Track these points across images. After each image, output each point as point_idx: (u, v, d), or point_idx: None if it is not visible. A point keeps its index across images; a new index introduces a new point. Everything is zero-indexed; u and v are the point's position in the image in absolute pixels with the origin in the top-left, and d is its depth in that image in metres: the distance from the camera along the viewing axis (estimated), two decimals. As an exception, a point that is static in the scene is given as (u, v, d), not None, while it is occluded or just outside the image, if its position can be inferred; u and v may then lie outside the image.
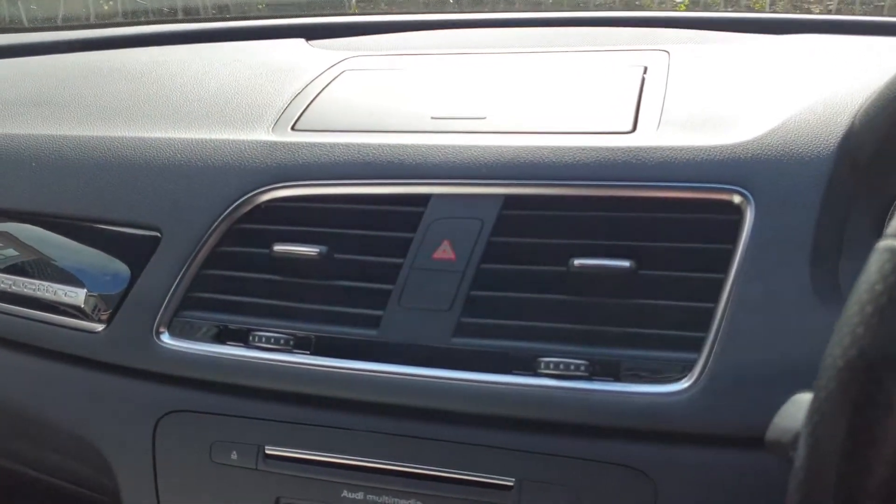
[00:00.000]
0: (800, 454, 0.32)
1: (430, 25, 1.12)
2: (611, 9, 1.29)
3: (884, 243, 0.32)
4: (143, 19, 1.48)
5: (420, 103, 0.82)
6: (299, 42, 1.09)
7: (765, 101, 0.74)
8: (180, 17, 1.51)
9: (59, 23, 1.47)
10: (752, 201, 0.65)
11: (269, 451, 0.71)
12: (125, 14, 1.48)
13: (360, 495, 0.69)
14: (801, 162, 0.66)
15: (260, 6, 1.49)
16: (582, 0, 1.45)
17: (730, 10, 1.35)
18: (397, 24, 1.14)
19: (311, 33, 1.13)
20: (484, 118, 0.77)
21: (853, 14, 1.26)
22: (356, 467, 0.69)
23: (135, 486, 0.76)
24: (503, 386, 0.66)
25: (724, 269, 0.64)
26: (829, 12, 1.32)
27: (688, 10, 1.39)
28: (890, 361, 0.30)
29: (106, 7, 1.49)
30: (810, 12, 1.33)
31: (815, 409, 0.32)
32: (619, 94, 0.79)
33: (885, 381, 0.30)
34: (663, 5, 1.43)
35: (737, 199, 0.65)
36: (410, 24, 1.14)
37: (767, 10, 1.36)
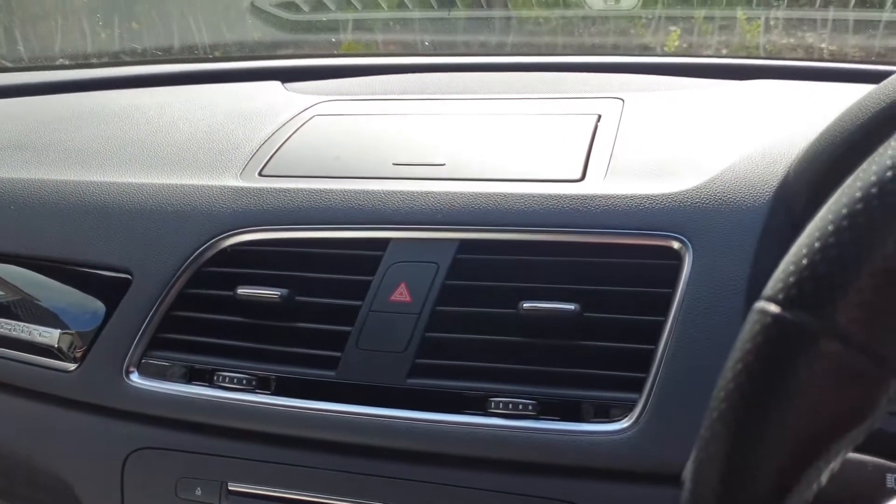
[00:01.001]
0: (685, 483, 0.36)
1: (402, 69, 1.16)
2: (581, 52, 1.33)
3: (757, 304, 0.35)
4: (128, 59, 1.52)
5: (383, 150, 0.86)
6: (275, 85, 1.13)
7: (708, 149, 0.78)
8: (168, 56, 1.55)
9: (42, 62, 1.51)
10: (690, 247, 0.68)
11: (232, 487, 0.74)
12: (110, 54, 1.52)
13: None
14: (737, 210, 0.69)
15: (270, 46, 1.52)
16: (576, 29, 1.48)
17: (719, 47, 1.39)
18: (370, 68, 1.18)
19: (287, 76, 1.17)
20: (443, 164, 0.81)
21: (843, 57, 1.29)
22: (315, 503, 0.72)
23: (103, 520, 0.79)
24: (456, 425, 0.69)
25: (664, 313, 0.67)
26: (811, 50, 1.36)
27: (678, 39, 1.42)
28: (754, 412, 0.33)
29: (89, 48, 1.53)
30: (803, 42, 1.36)
31: (698, 444, 0.35)
32: (571, 141, 0.82)
33: (748, 430, 0.33)
34: (657, 34, 1.47)
35: (676, 245, 0.69)
36: (383, 67, 1.18)
37: (759, 43, 1.39)
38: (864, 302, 0.32)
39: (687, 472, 0.36)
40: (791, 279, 0.34)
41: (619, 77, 1.04)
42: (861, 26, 1.29)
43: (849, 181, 0.35)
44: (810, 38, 1.37)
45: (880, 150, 0.34)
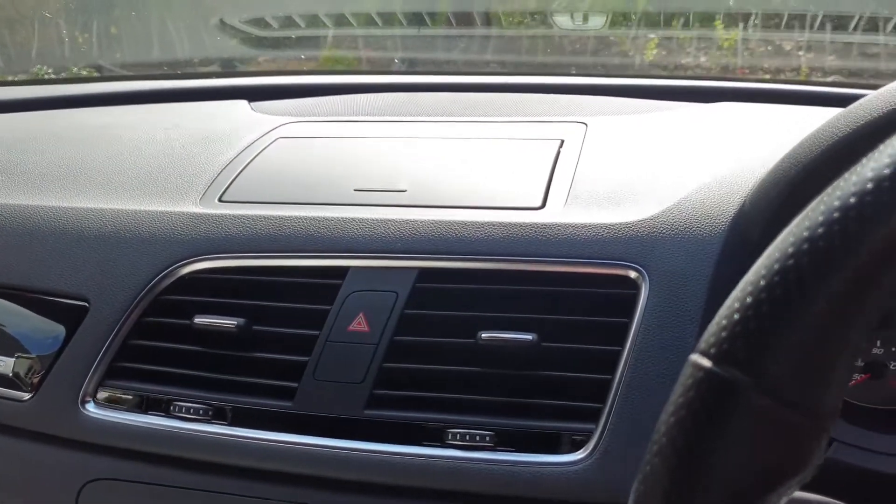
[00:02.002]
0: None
1: (369, 88, 1.16)
2: (548, 73, 1.34)
3: (691, 357, 0.35)
4: (93, 76, 1.50)
5: (345, 175, 0.85)
6: (241, 105, 1.12)
7: (668, 177, 0.78)
8: (134, 72, 1.54)
9: (9, 77, 1.49)
10: (647, 277, 0.68)
11: None
12: (74, 71, 1.51)
13: None
14: (693, 240, 0.70)
15: (225, 62, 1.52)
16: (545, 49, 1.48)
17: (687, 68, 1.39)
18: (337, 87, 1.18)
19: (254, 94, 1.16)
20: (405, 191, 0.81)
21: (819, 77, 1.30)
22: None
23: (57, 553, 0.78)
24: (413, 457, 0.69)
25: (621, 342, 0.68)
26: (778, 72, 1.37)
27: (656, 49, 1.43)
28: (687, 465, 0.33)
29: (52, 64, 1.51)
30: (772, 64, 1.37)
31: (634, 487, 0.35)
32: (533, 168, 0.82)
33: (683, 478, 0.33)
34: (636, 41, 1.47)
35: (633, 274, 0.69)
36: (351, 86, 1.18)
37: (738, 53, 1.40)
38: (794, 360, 0.32)
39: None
40: (723, 334, 0.34)
41: (584, 99, 1.04)
42: (834, 48, 1.30)
43: (782, 235, 0.35)
44: (779, 60, 1.38)
45: (813, 204, 0.34)
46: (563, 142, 0.87)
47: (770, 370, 0.33)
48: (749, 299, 0.34)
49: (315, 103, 1.12)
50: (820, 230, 0.33)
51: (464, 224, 0.74)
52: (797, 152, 0.67)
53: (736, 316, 0.34)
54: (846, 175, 0.34)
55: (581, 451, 0.66)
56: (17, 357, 0.80)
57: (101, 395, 0.77)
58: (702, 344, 0.35)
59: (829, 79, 1.31)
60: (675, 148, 0.86)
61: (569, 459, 0.66)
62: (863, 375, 0.71)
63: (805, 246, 0.33)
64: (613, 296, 0.69)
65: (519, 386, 0.69)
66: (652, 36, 1.37)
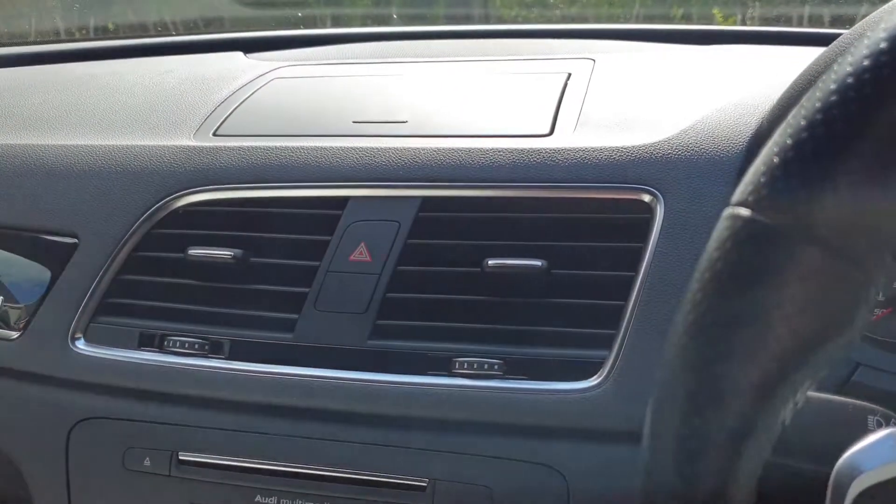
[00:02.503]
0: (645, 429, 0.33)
1: (368, 38, 1.13)
2: (549, 21, 1.31)
3: (726, 210, 0.32)
4: (88, 36, 1.47)
5: (344, 109, 0.82)
6: (237, 55, 1.09)
7: (680, 104, 0.75)
8: (129, 32, 1.51)
9: (4, 38, 1.46)
10: (662, 200, 0.65)
11: (183, 456, 0.70)
12: (69, 31, 1.47)
13: (273, 500, 0.68)
14: (710, 161, 0.67)
15: (232, 21, 1.48)
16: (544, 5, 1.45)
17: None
18: (335, 37, 1.14)
19: (249, 47, 1.13)
20: (405, 122, 0.78)
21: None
22: (270, 471, 0.69)
23: (47, 494, 0.75)
24: (419, 386, 0.66)
25: (635, 268, 0.65)
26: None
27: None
28: (724, 321, 0.30)
29: (51, 23, 1.48)
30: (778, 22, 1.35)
31: (660, 375, 0.32)
32: (540, 98, 0.79)
33: (717, 343, 0.30)
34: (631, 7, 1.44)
35: (646, 197, 0.66)
36: (348, 36, 1.15)
37: (738, 20, 1.38)
38: (841, 201, 0.30)
39: (652, 397, 0.33)
40: (762, 179, 0.31)
41: (590, 42, 1.02)
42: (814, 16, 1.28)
43: (823, 77, 0.32)
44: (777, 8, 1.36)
45: (855, 43, 0.31)
46: (570, 74, 0.84)
47: (816, 213, 0.30)
48: (790, 140, 0.31)
49: (311, 51, 1.09)
50: (865, 62, 0.30)
51: (468, 151, 0.71)
52: (813, 67, 0.65)
53: (776, 160, 0.31)
54: (884, 18, 0.31)
55: (594, 377, 0.63)
56: (5, 296, 0.77)
57: (92, 331, 0.73)
58: (737, 195, 0.32)
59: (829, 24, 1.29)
60: (685, 80, 0.83)
61: (582, 386, 0.63)
62: (885, 310, 0.68)
63: (849, 80, 0.30)
64: (626, 220, 0.66)
65: (528, 314, 0.66)
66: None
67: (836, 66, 0.32)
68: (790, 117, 0.32)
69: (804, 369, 0.31)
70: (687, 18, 1.39)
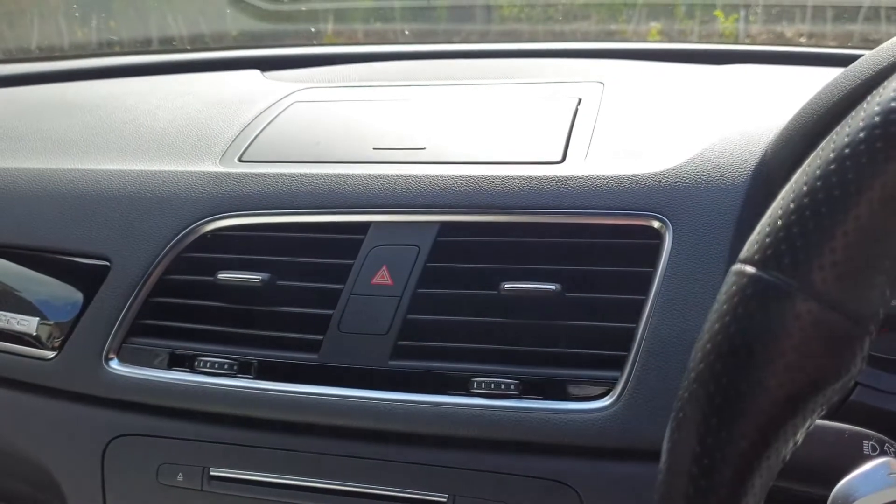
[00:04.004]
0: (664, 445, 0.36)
1: (382, 57, 1.16)
2: (560, 40, 1.33)
3: (734, 266, 0.35)
4: (106, 51, 1.50)
5: (363, 134, 0.85)
6: (254, 73, 1.13)
7: (688, 131, 0.78)
8: (146, 48, 1.54)
9: (20, 55, 1.49)
10: (671, 226, 0.69)
11: (214, 472, 0.74)
12: (88, 47, 1.51)
13: None
14: (716, 189, 0.70)
15: (248, 36, 1.51)
16: (551, 18, 1.47)
17: (701, 38, 1.39)
18: (350, 56, 1.18)
19: (265, 65, 1.16)
20: (424, 148, 0.81)
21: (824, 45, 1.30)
22: (297, 487, 0.72)
23: (84, 507, 0.78)
24: (438, 406, 0.69)
25: (645, 291, 0.68)
26: (801, 36, 1.37)
27: (658, 37, 1.42)
28: (731, 371, 0.34)
29: (68, 39, 1.51)
30: (783, 37, 1.37)
31: (676, 405, 0.36)
32: (552, 124, 0.82)
33: (725, 390, 0.34)
34: (638, 30, 1.47)
35: (656, 224, 0.69)
36: (362, 55, 1.18)
37: (740, 36, 1.40)
38: (838, 262, 0.33)
39: (665, 436, 0.36)
40: (767, 240, 0.34)
41: (599, 62, 1.05)
42: (839, 13, 1.30)
43: (822, 144, 0.35)
44: (787, 27, 1.38)
45: (852, 113, 0.35)
46: (580, 100, 0.87)
47: (814, 272, 0.33)
48: (792, 205, 0.34)
49: (326, 72, 1.12)
50: (861, 134, 0.33)
51: (484, 178, 0.74)
52: (816, 101, 0.67)
53: (779, 222, 0.34)
54: (879, 91, 0.34)
55: (607, 398, 0.66)
56: (40, 317, 0.80)
57: (125, 352, 0.77)
58: (744, 253, 0.36)
59: (838, 42, 1.31)
60: (693, 105, 0.86)
61: (594, 406, 0.66)
62: (883, 329, 0.71)
63: (846, 150, 0.33)
64: (637, 246, 0.70)
65: (543, 336, 0.70)
66: (663, 2, 1.36)
67: (834, 135, 0.35)
68: (793, 180, 0.36)
69: (804, 412, 0.34)
70: (689, 17, 1.42)
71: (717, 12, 1.43)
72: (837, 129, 0.35)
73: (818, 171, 0.34)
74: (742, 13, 1.41)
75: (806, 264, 0.33)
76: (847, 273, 0.33)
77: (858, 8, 1.32)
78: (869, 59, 0.63)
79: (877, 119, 0.33)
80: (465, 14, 1.45)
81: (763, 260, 0.34)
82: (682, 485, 0.35)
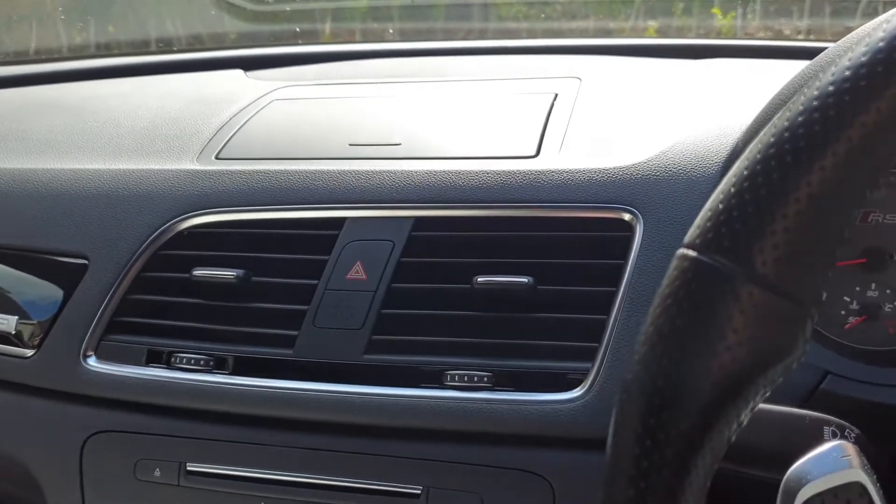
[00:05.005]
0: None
1: (364, 55, 1.16)
2: (542, 37, 1.34)
3: (678, 251, 0.36)
4: (90, 53, 1.51)
5: (340, 131, 0.86)
6: (237, 73, 1.13)
7: (661, 124, 0.79)
8: (130, 48, 1.54)
9: (5, 57, 1.50)
10: (641, 218, 0.69)
11: (191, 467, 0.74)
12: (72, 48, 1.51)
13: None
14: (687, 181, 0.70)
15: (232, 36, 1.52)
16: (533, 16, 1.48)
17: (699, 34, 1.39)
18: (332, 55, 1.18)
19: (249, 64, 1.17)
20: (399, 144, 0.81)
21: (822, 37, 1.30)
22: (273, 481, 0.72)
23: (63, 503, 0.79)
24: (412, 399, 0.70)
25: (616, 284, 0.68)
26: (799, 34, 1.37)
27: (656, 34, 1.43)
28: (673, 353, 0.34)
29: (52, 41, 1.51)
30: (781, 34, 1.38)
31: (621, 388, 0.36)
32: (527, 119, 0.83)
33: (667, 372, 0.34)
34: (635, 27, 1.47)
35: (626, 216, 0.70)
36: (345, 54, 1.18)
37: (738, 33, 1.40)
38: (779, 244, 0.33)
39: (611, 418, 0.37)
40: (708, 224, 0.35)
41: (577, 59, 1.05)
42: (815, 7, 1.31)
43: (763, 131, 0.35)
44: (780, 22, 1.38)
45: (791, 101, 0.35)
46: (556, 95, 0.88)
47: (754, 255, 0.33)
48: (732, 189, 0.34)
49: (308, 70, 1.13)
50: (799, 118, 0.34)
51: (458, 173, 0.74)
52: (783, 92, 0.68)
53: (720, 206, 0.35)
54: (819, 76, 0.35)
55: (578, 388, 0.67)
56: (19, 315, 0.81)
57: (103, 349, 0.77)
58: (687, 237, 0.36)
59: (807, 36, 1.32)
60: (668, 99, 0.87)
61: (566, 397, 0.67)
62: (858, 318, 0.71)
63: (786, 134, 0.34)
64: (608, 238, 0.70)
65: (516, 328, 0.70)
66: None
67: (776, 120, 0.35)
68: (734, 167, 0.36)
69: (747, 394, 0.34)
70: (687, 13, 1.42)
71: (715, 9, 1.43)
72: (779, 114, 0.35)
73: (759, 156, 0.34)
74: (739, 10, 1.42)
75: (746, 247, 0.33)
76: (787, 256, 0.33)
77: (857, 2, 1.32)
78: (832, 50, 0.63)
79: (815, 103, 0.33)
80: (447, 13, 1.45)
81: (704, 243, 0.34)
82: (625, 466, 0.35)
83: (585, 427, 0.66)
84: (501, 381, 0.69)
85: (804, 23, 1.35)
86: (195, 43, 1.45)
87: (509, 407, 0.68)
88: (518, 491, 0.68)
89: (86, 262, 0.79)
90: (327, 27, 1.43)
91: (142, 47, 1.49)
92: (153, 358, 0.76)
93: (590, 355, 0.67)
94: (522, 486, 0.68)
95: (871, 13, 1.32)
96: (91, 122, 0.97)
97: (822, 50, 1.02)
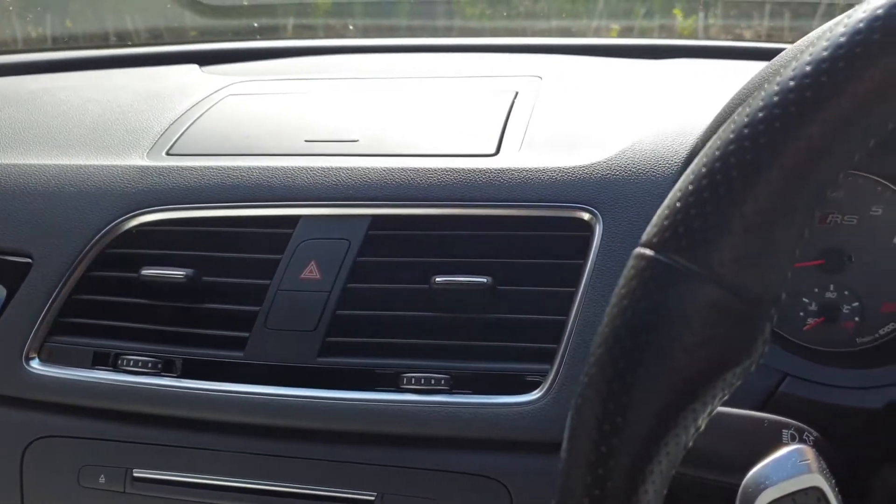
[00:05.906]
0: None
1: (322, 51, 1.14)
2: (504, 35, 1.33)
3: (635, 250, 0.35)
4: (43, 46, 1.47)
5: (296, 127, 0.84)
6: (192, 68, 1.10)
7: (622, 124, 0.78)
8: (84, 42, 1.50)
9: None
10: (601, 218, 0.68)
11: (137, 473, 0.71)
12: (26, 41, 1.47)
13: None
14: (647, 181, 0.70)
15: (192, 32, 1.48)
16: (495, 15, 1.47)
17: (660, 35, 1.39)
18: (290, 50, 1.16)
19: (205, 59, 1.14)
20: (357, 141, 0.80)
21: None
22: (222, 487, 0.70)
23: (1, 513, 0.76)
24: (367, 403, 0.68)
25: (575, 283, 0.67)
26: (759, 37, 1.38)
27: (618, 35, 1.42)
28: (628, 355, 0.33)
29: (4, 33, 1.47)
30: (741, 37, 1.38)
31: (577, 390, 0.35)
32: (487, 118, 0.81)
33: (622, 375, 0.33)
34: (598, 27, 1.47)
35: (586, 216, 0.69)
36: (302, 49, 1.16)
37: (699, 34, 1.41)
38: (736, 244, 0.32)
39: (567, 422, 0.35)
40: (665, 223, 0.34)
41: (538, 58, 1.04)
42: (775, 11, 1.31)
43: (722, 128, 0.34)
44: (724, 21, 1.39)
45: (751, 97, 0.34)
46: (517, 93, 0.86)
47: (712, 255, 0.32)
48: (691, 187, 0.33)
49: (265, 66, 1.10)
50: (760, 114, 0.33)
51: (416, 171, 0.73)
52: (742, 92, 0.68)
53: (678, 204, 0.33)
54: (780, 72, 0.34)
55: (536, 391, 0.66)
56: (-41, 316, 0.78)
57: (47, 351, 0.74)
58: (644, 237, 0.35)
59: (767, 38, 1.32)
60: (629, 98, 0.86)
61: (525, 400, 0.66)
62: (817, 319, 0.71)
63: (745, 131, 0.33)
64: (567, 238, 0.69)
65: (474, 329, 0.69)
66: None
67: (735, 116, 0.34)
68: (693, 164, 0.35)
69: (703, 398, 0.33)
70: (649, 16, 1.42)
71: (676, 10, 1.44)
72: (738, 110, 0.34)
73: (718, 153, 0.33)
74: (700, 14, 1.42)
75: (703, 246, 0.32)
76: (746, 256, 0.32)
77: (816, 5, 1.33)
78: (791, 50, 0.63)
79: (776, 99, 0.33)
80: (408, 10, 1.44)
81: (661, 242, 0.33)
82: (580, 472, 0.34)
83: (543, 430, 0.65)
84: (459, 383, 0.67)
85: (764, 25, 1.36)
86: (154, 38, 1.42)
87: (466, 410, 0.66)
88: (475, 496, 0.66)
89: (30, 260, 0.76)
90: (289, 23, 1.40)
91: (99, 42, 1.45)
92: (99, 360, 0.74)
93: (549, 357, 0.66)
94: (479, 490, 0.66)
95: (830, 16, 1.33)
96: (37, 115, 0.94)
97: (781, 51, 1.03)
